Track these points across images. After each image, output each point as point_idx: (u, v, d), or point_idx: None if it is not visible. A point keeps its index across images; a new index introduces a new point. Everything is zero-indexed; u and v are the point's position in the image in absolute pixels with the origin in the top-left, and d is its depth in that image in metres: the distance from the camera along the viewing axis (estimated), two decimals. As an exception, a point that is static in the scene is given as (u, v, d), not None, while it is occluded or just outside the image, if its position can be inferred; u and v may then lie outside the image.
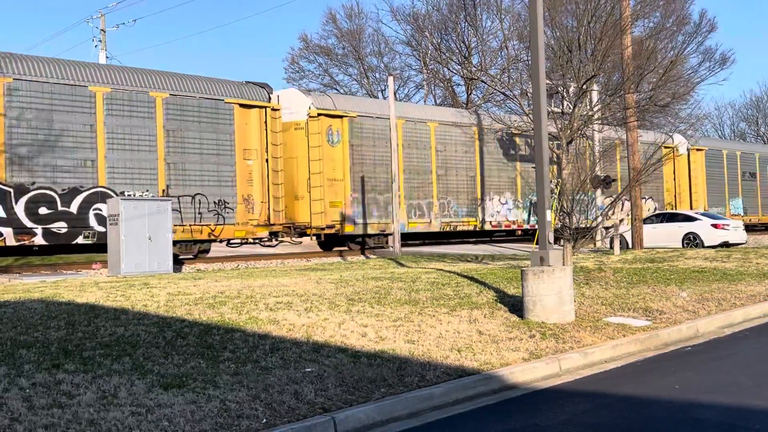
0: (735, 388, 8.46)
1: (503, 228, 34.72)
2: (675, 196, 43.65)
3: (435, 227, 31.54)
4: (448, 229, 32.28)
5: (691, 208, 40.47)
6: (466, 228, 32.92)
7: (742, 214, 46.52)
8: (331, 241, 29.98)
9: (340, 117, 28.40)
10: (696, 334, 12.03)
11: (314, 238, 30.22)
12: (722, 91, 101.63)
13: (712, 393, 8.27)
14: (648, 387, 8.69)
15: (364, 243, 29.46)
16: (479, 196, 33.53)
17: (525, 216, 35.50)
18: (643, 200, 37.26)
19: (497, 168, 34.60)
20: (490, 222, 33.90)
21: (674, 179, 43.55)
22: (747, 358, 10.47)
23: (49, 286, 15.35)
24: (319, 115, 27.68)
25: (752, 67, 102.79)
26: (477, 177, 33.51)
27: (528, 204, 35.42)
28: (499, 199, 34.46)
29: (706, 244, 29.30)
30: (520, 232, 36.49)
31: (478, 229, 33.51)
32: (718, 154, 45.98)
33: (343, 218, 28.17)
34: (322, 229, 27.72)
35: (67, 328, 10.19)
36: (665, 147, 38.27)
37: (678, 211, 34.15)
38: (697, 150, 44.13)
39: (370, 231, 29.07)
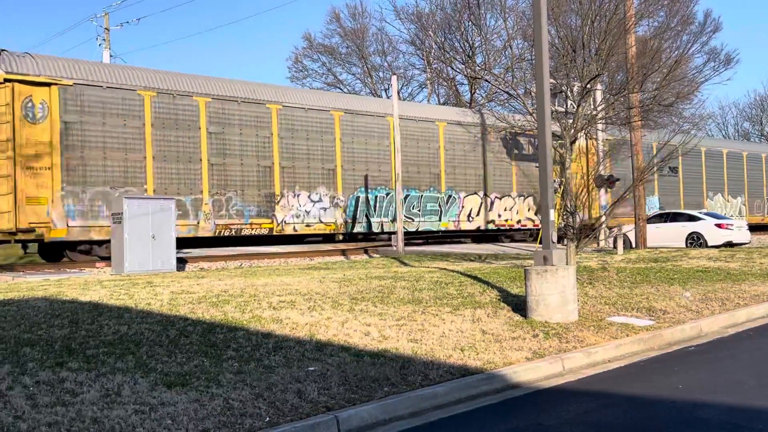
0: (739, 388, 8.45)
1: (316, 231, 28.03)
2: (565, 194, 38.04)
3: (206, 230, 25.16)
4: (227, 233, 25.84)
5: (589, 210, 37.73)
6: (256, 232, 26.58)
7: None
8: (48, 249, 23.95)
9: (47, 85, 21.90)
10: (699, 334, 12.01)
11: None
12: (726, 90, 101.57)
13: (716, 393, 8.25)
14: (651, 387, 8.68)
15: (91, 252, 23.48)
16: (277, 191, 27.02)
17: (349, 216, 29.26)
18: (522, 198, 35.19)
19: (308, 156, 28.00)
20: (294, 224, 27.55)
21: (564, 175, 38.47)
22: (751, 357, 10.45)
23: (52, 284, 15.38)
24: (6, 80, 21.18)
25: (757, 67, 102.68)
26: (275, 167, 27.06)
27: (353, 202, 29.43)
28: (309, 196, 27.86)
29: (709, 244, 29.29)
30: (341, 237, 30.00)
31: (275, 232, 27.16)
32: (626, 145, 41.70)
33: (51, 219, 21.78)
34: (13, 233, 21.20)
35: (71, 327, 10.21)
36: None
37: (682, 211, 34.14)
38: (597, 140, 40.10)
39: (94, 236, 22.63)
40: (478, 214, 33.69)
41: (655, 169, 20.32)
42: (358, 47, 53.97)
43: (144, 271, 19.35)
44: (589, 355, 10.13)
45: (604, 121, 26.86)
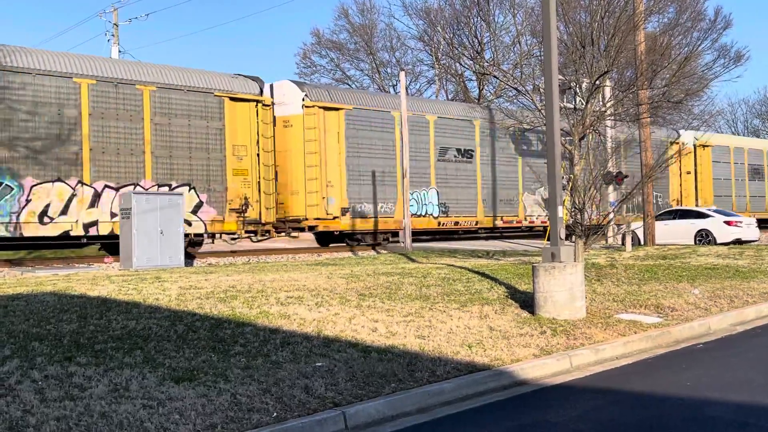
0: (747, 386, 8.42)
1: None
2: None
3: None
4: None
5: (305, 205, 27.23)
6: None
7: (436, 214, 30.87)
8: None
9: None
10: (708, 332, 11.97)
11: None
12: (736, 87, 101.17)
13: (724, 390, 8.23)
14: (659, 384, 8.66)
15: None
16: None
17: None
18: (165, 189, 22.92)
19: None
20: None
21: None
22: (759, 355, 10.42)
23: (61, 279, 15.44)
24: None
25: (766, 64, 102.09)
26: None
27: None
28: None
29: (718, 241, 29.19)
30: None
31: None
32: (372, 117, 29.07)
33: None
34: None
35: (80, 321, 10.24)
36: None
37: (690, 208, 34.02)
38: (325, 109, 27.66)
39: None
40: (64, 213, 21.80)
41: (665, 166, 20.21)
42: (367, 43, 53.96)
43: (152, 267, 19.40)
44: (596, 352, 10.11)
45: (612, 118, 26.80)
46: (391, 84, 52.86)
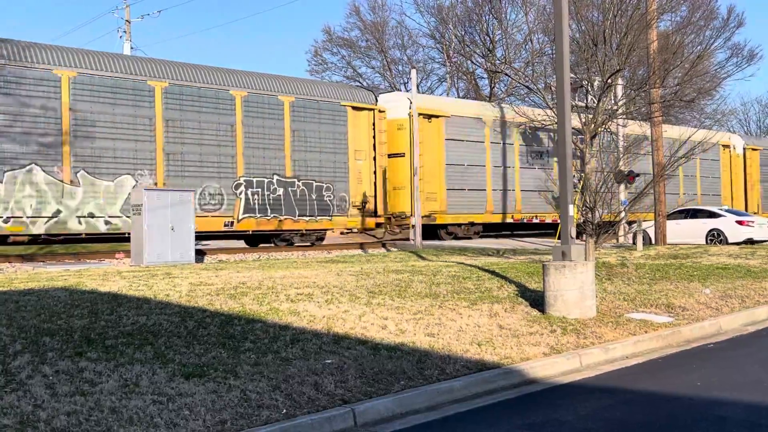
0: (758, 386, 8.38)
1: None
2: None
3: None
4: None
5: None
6: None
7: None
8: None
9: None
10: (719, 332, 11.93)
11: None
12: (749, 86, 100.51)
13: (735, 390, 8.19)
14: (669, 383, 8.63)
15: None
16: None
17: None
18: None
19: None
20: None
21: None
22: (771, 356, 10.37)
23: (72, 274, 15.50)
24: None
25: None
26: None
27: None
28: None
29: (730, 241, 29.05)
30: None
31: None
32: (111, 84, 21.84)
33: None
34: None
35: (90, 317, 10.28)
36: None
37: (702, 207, 33.85)
38: None
39: None
40: None
41: (674, 166, 20.10)
42: (378, 41, 53.93)
43: (163, 263, 19.45)
44: (607, 352, 10.08)
45: (624, 116, 26.73)
46: (402, 82, 52.84)
